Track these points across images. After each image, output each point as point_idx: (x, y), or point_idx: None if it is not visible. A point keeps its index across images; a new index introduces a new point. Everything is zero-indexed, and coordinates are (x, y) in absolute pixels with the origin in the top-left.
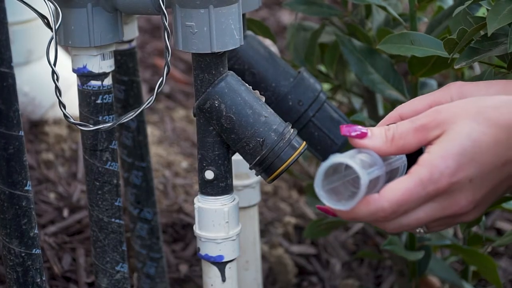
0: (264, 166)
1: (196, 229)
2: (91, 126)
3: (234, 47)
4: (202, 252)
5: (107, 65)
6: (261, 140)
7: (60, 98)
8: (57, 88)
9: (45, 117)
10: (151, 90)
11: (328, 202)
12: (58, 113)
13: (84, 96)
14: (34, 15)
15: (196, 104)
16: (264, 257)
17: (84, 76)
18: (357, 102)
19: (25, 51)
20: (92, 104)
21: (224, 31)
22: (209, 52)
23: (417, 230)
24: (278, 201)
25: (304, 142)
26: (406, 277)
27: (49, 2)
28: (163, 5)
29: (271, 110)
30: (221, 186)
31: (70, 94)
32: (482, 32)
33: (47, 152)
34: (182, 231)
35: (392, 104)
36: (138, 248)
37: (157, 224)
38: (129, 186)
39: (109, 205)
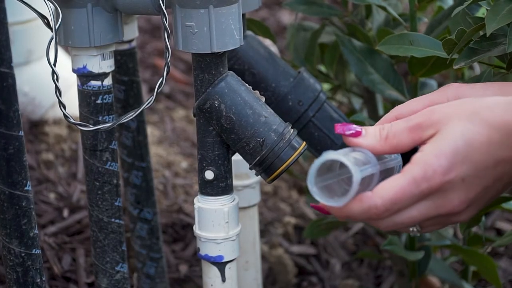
0: (264, 166)
1: (196, 229)
2: (91, 126)
3: (234, 47)
4: (202, 252)
5: (107, 65)
6: (261, 140)
7: (60, 98)
8: (57, 88)
9: (45, 117)
10: (151, 90)
11: (320, 198)
12: (58, 113)
13: (84, 96)
14: (34, 15)
15: (196, 104)
16: (264, 257)
17: (84, 76)
18: (357, 102)
19: (25, 51)
20: (92, 104)
21: (224, 31)
22: (209, 52)
23: (411, 229)
24: (278, 201)
25: (304, 142)
26: (406, 277)
27: (49, 2)
28: (163, 5)
29: (271, 110)
30: (221, 186)
31: (70, 94)
32: (481, 33)
33: (47, 152)
34: (182, 231)
35: (392, 104)
36: (138, 248)
37: (157, 224)
38: (129, 186)
39: (109, 205)
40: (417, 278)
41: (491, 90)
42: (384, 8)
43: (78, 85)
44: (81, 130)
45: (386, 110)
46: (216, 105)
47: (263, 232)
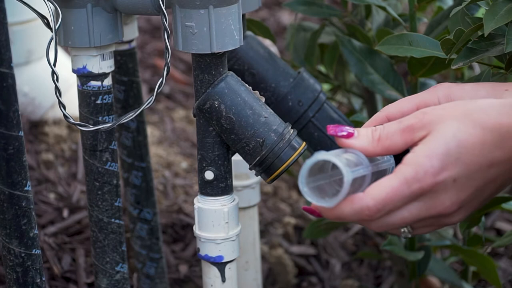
0: (264, 167)
1: (196, 229)
2: (91, 126)
3: (234, 48)
4: (202, 252)
5: (107, 65)
6: (261, 140)
7: (60, 98)
8: (57, 89)
9: (45, 118)
10: (151, 90)
11: (311, 198)
12: (58, 113)
13: (84, 96)
14: (34, 15)
15: (196, 105)
16: (264, 258)
17: (84, 76)
18: (357, 103)
19: (25, 51)
20: (92, 105)
21: (224, 32)
22: (209, 52)
23: (402, 230)
24: (278, 202)
25: (304, 143)
26: (406, 277)
27: (49, 3)
28: (163, 5)
29: (271, 110)
30: (221, 186)
31: (70, 95)
32: (479, 33)
33: (47, 153)
34: (182, 231)
35: None
36: (138, 249)
37: (157, 224)
38: (129, 187)
39: (109, 205)
40: (417, 278)
41: (483, 91)
42: (383, 8)
43: (78, 85)
44: (81, 130)
45: None
46: (216, 105)
47: (263, 233)
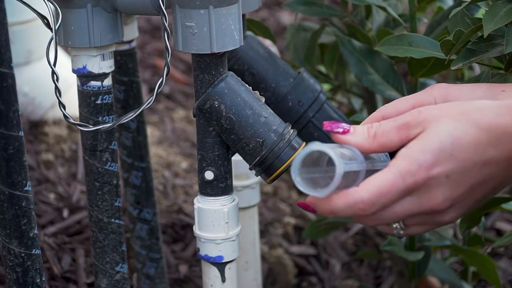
0: (264, 167)
1: (196, 229)
2: (90, 126)
3: (234, 48)
4: (202, 252)
5: (107, 65)
6: (261, 140)
7: (60, 98)
8: (57, 89)
9: (45, 118)
10: (151, 90)
11: (302, 187)
12: (58, 113)
13: (84, 96)
14: (34, 15)
15: (196, 105)
16: (263, 258)
17: (84, 76)
18: (357, 103)
19: (25, 51)
20: (92, 105)
21: (224, 32)
22: (209, 52)
23: (394, 226)
24: (278, 202)
25: (304, 143)
26: (406, 277)
27: (49, 3)
28: (163, 5)
29: (271, 110)
30: (220, 186)
31: (70, 95)
32: (479, 33)
33: (47, 153)
34: (182, 231)
35: None
36: (138, 249)
37: (156, 224)
38: (128, 187)
39: (109, 205)
40: (416, 278)
41: (480, 91)
42: (384, 9)
43: (78, 86)
44: (81, 130)
45: None
46: (216, 105)
47: (263, 233)
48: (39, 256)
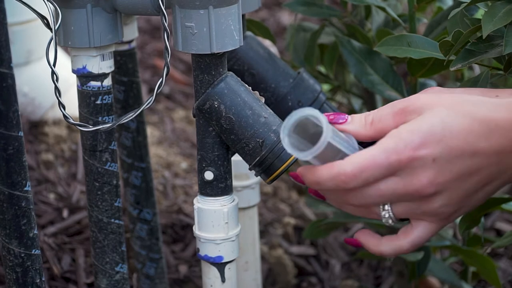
0: (264, 167)
1: (196, 229)
2: (90, 126)
3: (233, 48)
4: (202, 252)
5: (106, 65)
6: (260, 140)
7: (59, 98)
8: (56, 89)
9: (45, 118)
10: (150, 90)
11: (288, 147)
12: (57, 113)
13: (84, 96)
14: (34, 15)
15: (196, 105)
16: (263, 258)
17: (83, 76)
18: (356, 103)
19: (25, 51)
20: (91, 105)
21: (224, 32)
22: (209, 52)
23: (383, 214)
24: (278, 202)
25: None
26: (406, 277)
27: (49, 3)
28: (163, 5)
29: (271, 110)
30: (220, 186)
31: (69, 95)
32: (478, 34)
33: (47, 153)
34: (182, 231)
35: None
36: (138, 249)
37: (156, 224)
38: (128, 187)
39: (109, 205)
40: (416, 278)
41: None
42: (383, 9)
43: (77, 86)
44: (81, 130)
45: None
46: (216, 105)
47: (263, 233)
48: (39, 256)
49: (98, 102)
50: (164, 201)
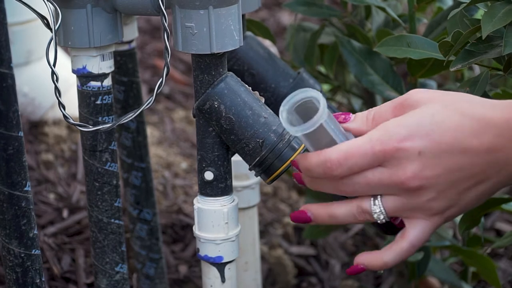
0: (264, 167)
1: (196, 230)
2: (90, 126)
3: (233, 48)
4: (202, 253)
5: (106, 65)
6: (260, 141)
7: (59, 98)
8: (56, 89)
9: (45, 118)
10: (150, 91)
11: (283, 121)
12: (57, 113)
13: (84, 96)
14: (34, 15)
15: (196, 105)
16: (263, 258)
17: (83, 76)
18: (356, 103)
19: (25, 51)
20: (91, 105)
21: (224, 32)
22: (209, 53)
23: (373, 209)
24: (278, 202)
25: (304, 144)
26: (406, 278)
27: (49, 3)
28: (163, 6)
29: (271, 111)
30: (220, 187)
31: (69, 95)
32: (478, 35)
33: (47, 153)
34: (182, 232)
35: None
36: (138, 249)
37: (156, 224)
38: (128, 187)
39: (109, 205)
40: (416, 278)
41: None
42: (383, 9)
43: (77, 86)
44: (81, 130)
45: None
46: (216, 106)
47: (263, 233)
48: (38, 257)
49: (98, 102)
50: (164, 201)
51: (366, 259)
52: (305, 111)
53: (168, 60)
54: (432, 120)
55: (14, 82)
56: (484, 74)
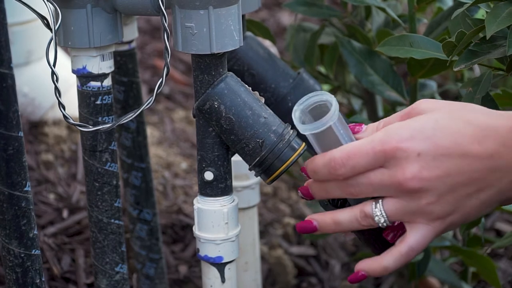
0: (264, 167)
1: (196, 230)
2: (90, 127)
3: (233, 48)
4: (202, 253)
5: (106, 66)
6: (260, 141)
7: (59, 99)
8: (56, 89)
9: (45, 118)
10: (150, 91)
11: (295, 119)
12: (57, 114)
13: (84, 97)
14: (34, 16)
15: (196, 105)
16: (263, 258)
17: (83, 77)
18: (356, 103)
19: (25, 52)
20: (91, 105)
21: (224, 32)
22: (209, 53)
23: (374, 212)
24: (278, 202)
25: (304, 143)
26: (406, 278)
27: (49, 3)
28: (163, 6)
29: (271, 111)
30: (220, 187)
31: (69, 95)
32: (481, 35)
33: (47, 153)
34: (182, 232)
35: (391, 105)
36: (138, 249)
37: (156, 225)
38: (128, 187)
39: (109, 206)
40: (416, 279)
41: None
42: (383, 10)
43: (77, 86)
44: (81, 131)
45: (386, 111)
46: (216, 106)
47: (263, 233)
48: (38, 257)
49: (98, 102)
50: (164, 201)
51: (366, 265)
52: (320, 115)
53: (168, 60)
54: (435, 125)
55: (14, 82)
56: (487, 74)
